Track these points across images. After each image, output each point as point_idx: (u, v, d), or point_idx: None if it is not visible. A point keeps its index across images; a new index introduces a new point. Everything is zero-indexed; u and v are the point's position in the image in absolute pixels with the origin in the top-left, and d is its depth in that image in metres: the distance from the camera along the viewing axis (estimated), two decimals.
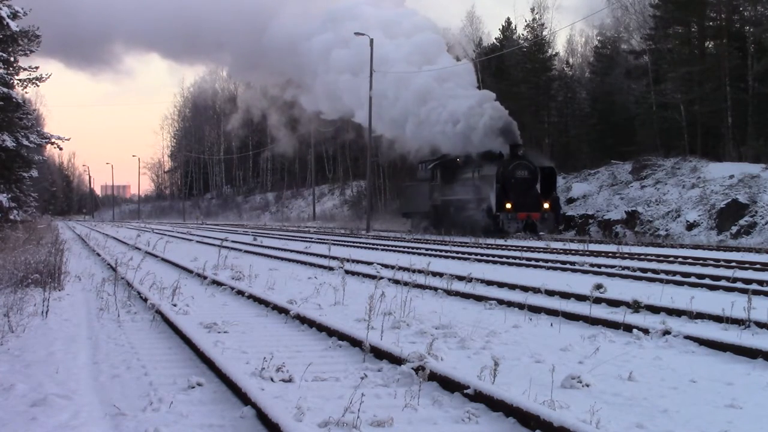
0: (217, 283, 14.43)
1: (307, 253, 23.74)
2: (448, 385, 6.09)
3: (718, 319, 9.27)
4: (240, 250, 24.83)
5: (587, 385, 6.22)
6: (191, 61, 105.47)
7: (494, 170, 35.34)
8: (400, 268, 14.61)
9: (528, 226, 34.93)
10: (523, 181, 35.46)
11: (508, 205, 34.73)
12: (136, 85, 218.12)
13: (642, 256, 20.34)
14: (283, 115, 70.22)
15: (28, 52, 28.64)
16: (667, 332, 8.35)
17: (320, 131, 71.19)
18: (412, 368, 6.51)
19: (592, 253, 22.18)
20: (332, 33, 48.37)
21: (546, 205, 35.45)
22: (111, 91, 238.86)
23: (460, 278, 13.56)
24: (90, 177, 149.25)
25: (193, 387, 6.34)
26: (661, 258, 19.86)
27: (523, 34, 58.25)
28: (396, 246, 27.88)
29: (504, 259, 20.31)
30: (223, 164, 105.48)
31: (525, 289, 12.71)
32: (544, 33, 57.12)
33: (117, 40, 72.26)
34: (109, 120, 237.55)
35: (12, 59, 27.90)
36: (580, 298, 11.21)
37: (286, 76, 56.90)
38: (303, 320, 9.60)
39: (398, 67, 44.28)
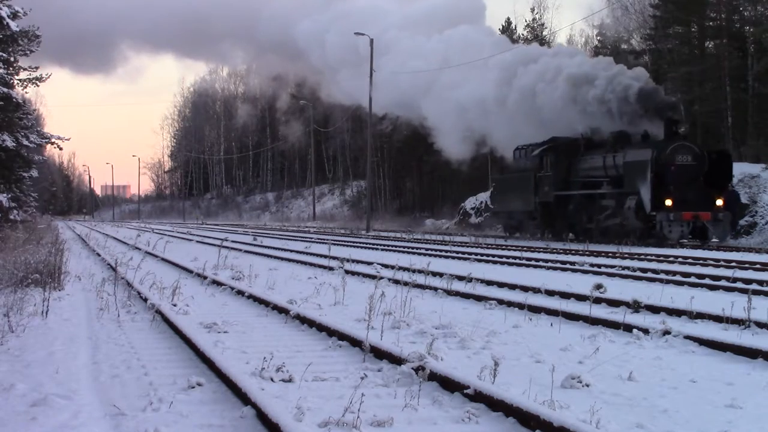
0: (217, 283, 14.43)
1: (307, 253, 23.73)
2: (448, 385, 6.09)
3: (718, 319, 9.27)
4: (240, 250, 24.83)
5: (587, 385, 6.22)
6: (201, 57, 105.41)
7: (645, 154, 26.47)
8: (400, 268, 14.60)
9: (696, 230, 26.34)
10: (686, 169, 26.38)
11: (668, 202, 25.96)
12: (140, 86, 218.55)
13: (642, 256, 20.34)
14: (295, 102, 70.11)
15: (28, 52, 28.64)
16: (667, 332, 8.35)
17: (320, 129, 71.29)
18: (412, 368, 6.52)
19: (592, 253, 22.18)
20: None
21: (719, 202, 26.50)
22: (113, 92, 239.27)
23: (460, 278, 13.55)
24: (90, 177, 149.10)
25: (193, 387, 6.34)
26: (661, 258, 19.86)
27: (523, 34, 58.27)
28: (396, 246, 27.88)
29: (504, 259, 20.31)
30: (223, 164, 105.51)
31: (525, 289, 12.71)
32: (544, 33, 57.16)
33: (123, 41, 72.24)
34: (109, 120, 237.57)
35: (12, 59, 27.90)
36: (580, 298, 11.21)
37: (314, 70, 54.26)
38: (303, 320, 9.60)
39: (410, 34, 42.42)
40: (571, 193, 30.77)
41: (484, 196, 48.38)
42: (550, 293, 12.12)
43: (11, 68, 28.11)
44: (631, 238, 26.82)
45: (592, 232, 29.24)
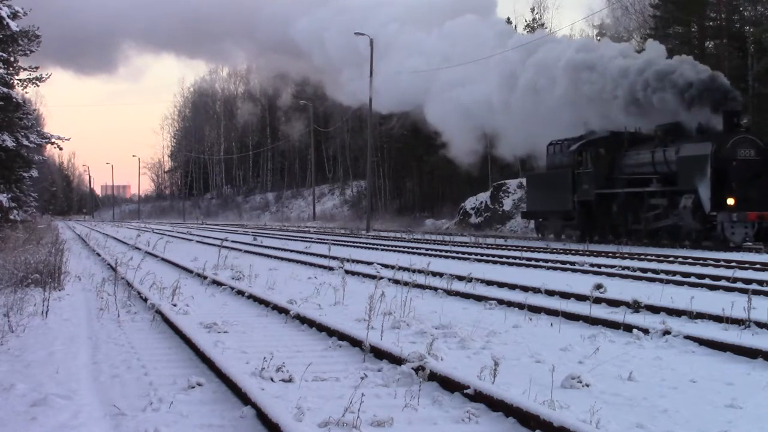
0: (217, 283, 14.43)
1: (307, 253, 23.74)
2: (448, 385, 6.09)
3: (718, 319, 9.27)
4: (240, 250, 24.83)
5: (587, 385, 6.22)
6: (202, 56, 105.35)
7: (704, 148, 24.03)
8: (400, 268, 14.59)
9: (761, 231, 23.91)
10: (749, 164, 23.92)
11: (731, 201, 23.60)
12: (141, 85, 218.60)
13: (642, 256, 20.35)
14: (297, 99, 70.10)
15: (28, 52, 28.64)
16: (667, 332, 8.35)
17: (320, 129, 71.30)
18: (412, 368, 6.52)
19: (592, 253, 22.18)
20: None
21: None
22: (114, 92, 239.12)
23: (460, 278, 13.55)
24: (90, 177, 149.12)
25: (193, 387, 6.34)
26: (661, 258, 19.87)
27: (523, 34, 58.27)
28: (396, 246, 27.88)
29: (504, 259, 20.32)
30: (223, 164, 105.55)
31: (525, 289, 12.71)
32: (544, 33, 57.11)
33: (124, 40, 72.15)
34: (109, 120, 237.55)
35: (12, 59, 27.90)
36: (580, 298, 11.21)
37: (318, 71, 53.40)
38: (303, 320, 9.60)
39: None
40: (615, 191, 28.31)
41: (484, 196, 48.40)
42: (550, 293, 12.12)
43: (11, 68, 28.10)
44: (686, 241, 24.94)
45: (638, 233, 27.16)
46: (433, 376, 6.23)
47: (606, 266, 17.54)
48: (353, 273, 16.20)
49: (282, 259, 21.98)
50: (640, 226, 27.05)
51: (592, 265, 17.96)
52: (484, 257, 21.21)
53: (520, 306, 10.47)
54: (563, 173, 30.68)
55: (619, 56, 30.14)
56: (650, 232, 26.67)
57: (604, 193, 28.78)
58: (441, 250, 24.45)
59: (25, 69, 29.68)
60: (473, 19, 41.00)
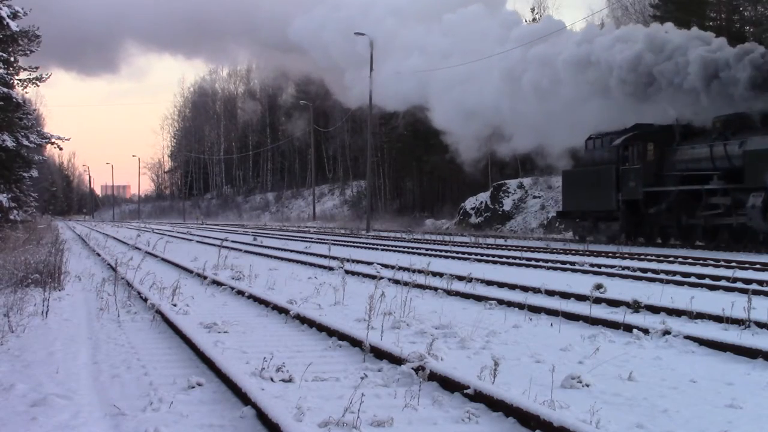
0: (217, 283, 14.43)
1: (307, 253, 23.74)
2: (448, 385, 6.09)
3: (718, 319, 9.27)
4: (240, 250, 24.83)
5: (587, 385, 6.22)
6: (204, 56, 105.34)
7: None
8: (400, 268, 14.61)
9: None
10: None
11: None
12: (144, 85, 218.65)
13: (642, 256, 20.35)
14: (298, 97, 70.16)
15: (28, 52, 28.64)
16: (667, 332, 8.35)
17: (320, 129, 71.30)
18: (412, 368, 6.52)
19: (592, 253, 22.18)
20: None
21: None
22: (116, 91, 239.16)
23: (460, 278, 13.56)
24: (90, 177, 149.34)
25: (193, 387, 6.34)
26: (661, 258, 19.87)
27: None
28: (396, 246, 27.88)
29: (504, 259, 20.32)
30: (223, 164, 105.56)
31: (525, 289, 12.72)
32: None
33: (125, 40, 72.02)
34: (109, 120, 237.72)
35: (12, 59, 27.89)
36: (580, 298, 11.22)
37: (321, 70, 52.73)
38: (303, 320, 9.61)
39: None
40: (667, 189, 26.02)
41: (484, 196, 48.41)
42: (550, 293, 12.12)
43: (11, 68, 28.09)
44: (752, 244, 22.91)
45: (694, 235, 25.28)
46: (433, 376, 6.23)
47: (606, 266, 17.54)
48: (353, 273, 16.20)
49: (282, 259, 21.98)
50: (697, 222, 24.91)
51: (592, 265, 17.97)
52: (484, 257, 21.21)
53: (520, 306, 10.47)
54: (606, 170, 28.45)
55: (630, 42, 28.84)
56: (709, 233, 24.75)
57: (653, 192, 26.62)
58: (441, 250, 24.45)
59: (25, 69, 29.70)
60: (477, 11, 40.15)
